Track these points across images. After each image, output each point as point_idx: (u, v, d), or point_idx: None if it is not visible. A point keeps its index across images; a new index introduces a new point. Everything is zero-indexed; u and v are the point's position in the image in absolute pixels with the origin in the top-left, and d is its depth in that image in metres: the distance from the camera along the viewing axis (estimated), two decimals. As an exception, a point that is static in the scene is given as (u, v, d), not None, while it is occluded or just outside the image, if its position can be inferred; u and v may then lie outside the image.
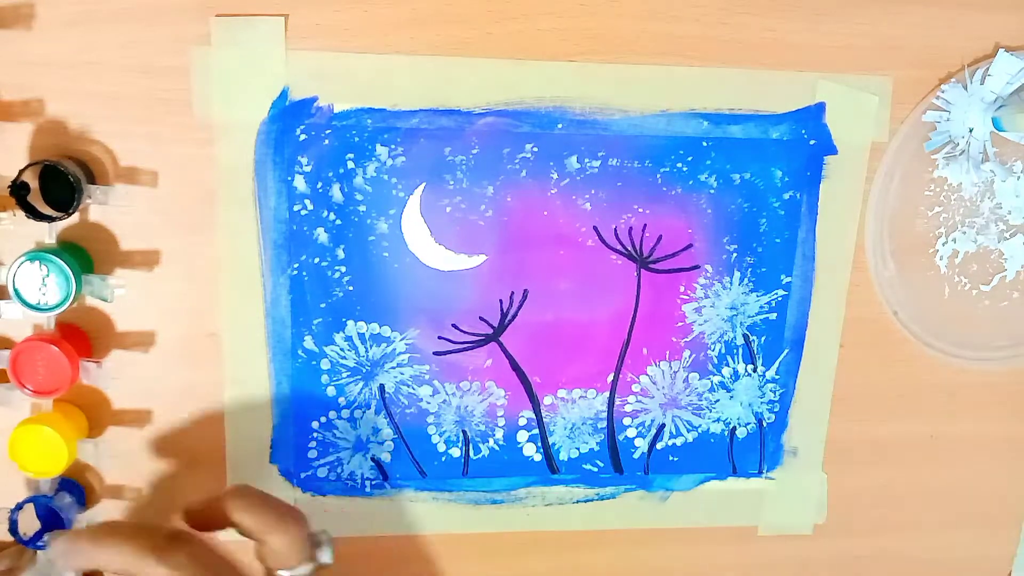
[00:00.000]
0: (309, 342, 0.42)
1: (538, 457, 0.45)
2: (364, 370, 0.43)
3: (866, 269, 0.45)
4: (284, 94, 0.40)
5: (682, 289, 0.44)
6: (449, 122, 0.41)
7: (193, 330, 0.42)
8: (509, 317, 0.44)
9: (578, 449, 0.46)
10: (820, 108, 0.43)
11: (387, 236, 0.42)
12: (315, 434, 0.44)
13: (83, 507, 0.42)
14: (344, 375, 0.43)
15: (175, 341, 0.42)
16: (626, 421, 0.46)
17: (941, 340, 0.46)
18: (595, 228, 0.43)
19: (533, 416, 0.45)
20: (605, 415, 0.45)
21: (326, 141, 0.41)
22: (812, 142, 0.43)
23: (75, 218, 0.40)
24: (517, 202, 0.42)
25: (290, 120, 0.40)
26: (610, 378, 0.45)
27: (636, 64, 0.42)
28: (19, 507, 0.40)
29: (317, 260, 0.42)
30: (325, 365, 0.43)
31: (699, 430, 0.46)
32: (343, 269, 0.42)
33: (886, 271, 0.45)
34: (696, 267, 0.44)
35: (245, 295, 0.42)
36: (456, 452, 0.45)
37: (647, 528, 0.47)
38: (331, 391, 0.43)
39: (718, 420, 0.46)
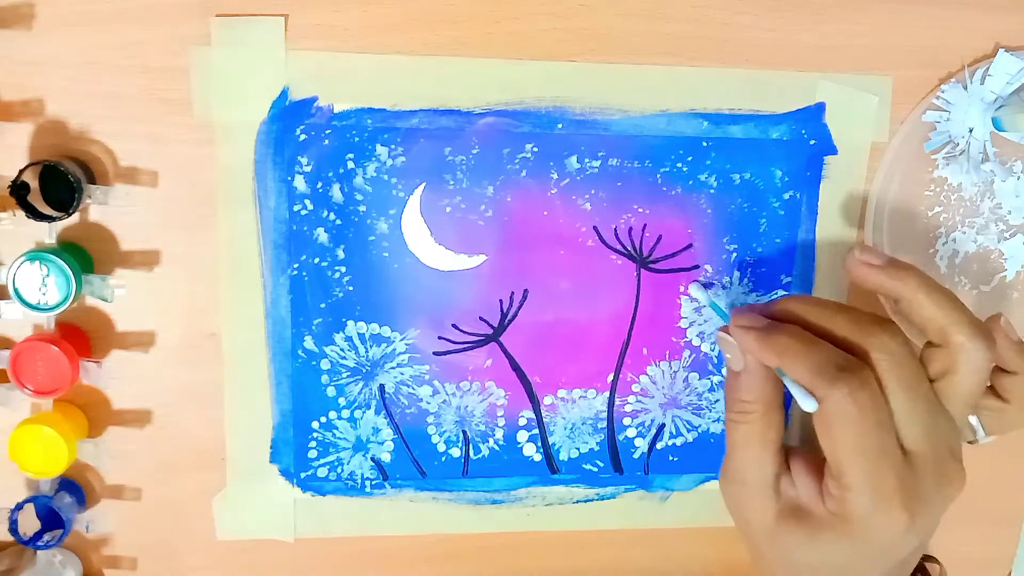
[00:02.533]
0: (309, 342, 0.42)
1: (538, 457, 0.45)
2: (364, 370, 0.43)
3: (866, 269, 0.45)
4: (284, 94, 0.40)
5: (682, 289, 0.44)
6: (449, 122, 0.41)
7: (193, 330, 0.42)
8: (509, 317, 0.44)
9: (578, 449, 0.46)
10: (820, 108, 0.43)
11: (387, 236, 0.42)
12: (315, 434, 0.44)
13: (83, 507, 0.42)
14: (344, 375, 0.43)
15: (175, 341, 0.42)
16: (626, 421, 0.46)
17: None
18: (595, 228, 0.43)
19: (533, 416, 0.45)
20: (605, 415, 0.45)
21: (326, 141, 0.41)
22: (812, 142, 0.43)
23: (75, 218, 0.40)
24: (517, 202, 0.42)
25: (290, 120, 0.40)
26: (610, 378, 0.45)
27: (636, 64, 0.42)
28: (19, 507, 0.40)
29: (317, 260, 0.42)
30: (325, 365, 0.43)
31: (699, 430, 0.46)
32: (343, 269, 0.42)
33: (886, 271, 0.45)
34: (696, 267, 0.44)
35: (245, 295, 0.42)
36: (456, 452, 0.45)
37: (647, 528, 0.48)
38: (331, 391, 0.43)
39: (718, 420, 0.46)
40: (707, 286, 0.43)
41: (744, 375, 0.38)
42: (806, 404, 0.35)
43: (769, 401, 0.38)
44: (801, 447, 0.39)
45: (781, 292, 0.45)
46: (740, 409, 0.38)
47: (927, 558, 0.41)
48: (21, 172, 0.37)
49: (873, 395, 0.34)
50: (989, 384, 0.41)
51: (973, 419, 0.42)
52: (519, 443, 0.45)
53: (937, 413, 0.35)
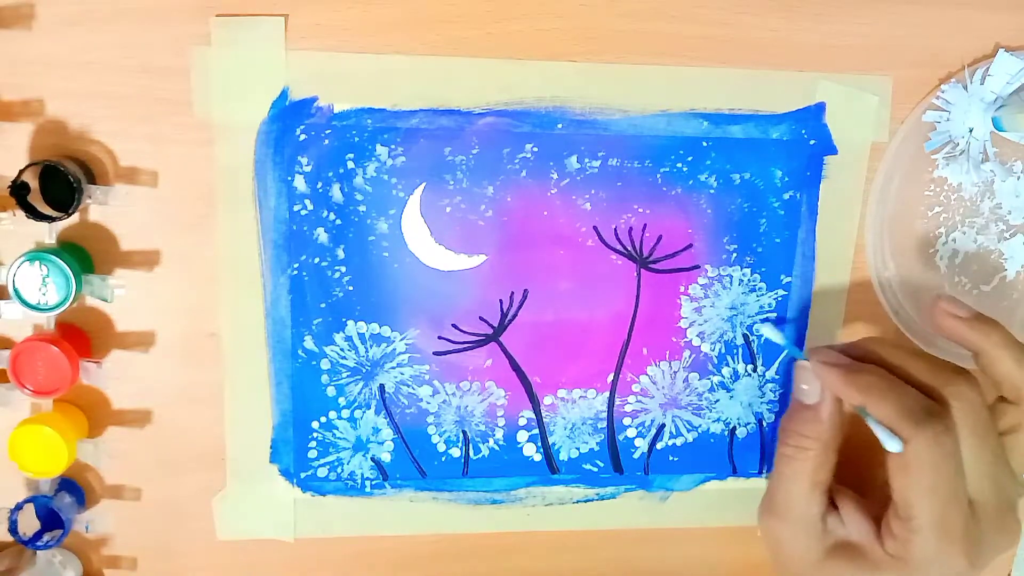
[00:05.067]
0: (309, 342, 0.42)
1: (538, 457, 0.45)
2: (364, 370, 0.43)
3: (866, 269, 0.45)
4: (284, 94, 0.40)
5: (682, 289, 0.44)
6: (449, 122, 0.41)
7: (193, 330, 0.42)
8: (509, 317, 0.44)
9: (578, 449, 0.46)
10: (820, 108, 0.43)
11: (387, 236, 0.42)
12: (315, 434, 0.44)
13: (83, 507, 0.42)
14: (344, 375, 0.43)
15: (175, 341, 0.42)
16: (626, 421, 0.46)
17: (941, 340, 0.46)
18: (595, 228, 0.43)
19: (533, 416, 0.45)
20: (605, 415, 0.45)
21: (326, 141, 0.41)
22: (812, 142, 0.43)
23: (75, 218, 0.40)
24: (517, 202, 0.42)
25: (290, 120, 0.40)
26: (610, 378, 0.45)
27: (636, 64, 0.42)
28: (19, 507, 0.40)
29: (317, 260, 0.42)
30: (325, 365, 0.43)
31: (699, 430, 0.46)
32: (343, 269, 0.42)
33: (886, 271, 0.45)
34: (696, 267, 0.44)
35: (245, 295, 0.42)
36: (456, 452, 0.45)
37: (647, 528, 0.48)
38: (331, 391, 0.43)
39: (718, 420, 0.46)
40: (770, 322, 0.44)
41: (812, 411, 0.38)
42: (891, 444, 0.35)
43: (827, 441, 0.38)
44: (845, 488, 0.40)
45: (781, 292, 0.45)
46: (797, 443, 0.38)
47: None
48: (21, 172, 0.37)
49: (954, 441, 0.35)
50: None
51: None
52: (519, 443, 0.45)
53: (1002, 465, 0.36)
